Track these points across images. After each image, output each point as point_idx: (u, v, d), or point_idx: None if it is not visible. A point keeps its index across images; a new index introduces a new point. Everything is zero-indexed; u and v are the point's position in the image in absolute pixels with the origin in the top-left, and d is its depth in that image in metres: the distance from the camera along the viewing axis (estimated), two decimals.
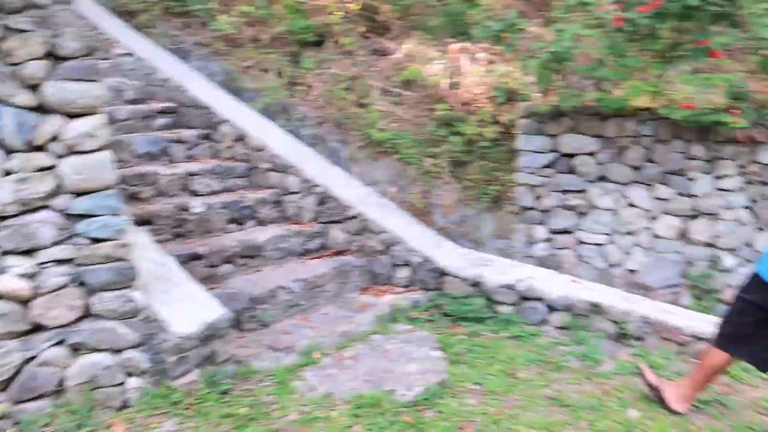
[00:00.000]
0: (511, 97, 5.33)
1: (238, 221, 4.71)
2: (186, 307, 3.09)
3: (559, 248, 4.96)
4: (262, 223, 4.84)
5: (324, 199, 4.78)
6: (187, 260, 3.95)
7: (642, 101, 4.52)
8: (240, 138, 5.15)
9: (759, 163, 4.47)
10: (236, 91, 5.87)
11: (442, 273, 4.35)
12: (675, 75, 4.57)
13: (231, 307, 3.73)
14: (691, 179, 4.63)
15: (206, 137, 5.33)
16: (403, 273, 4.55)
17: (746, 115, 4.09)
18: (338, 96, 5.60)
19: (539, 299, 4.06)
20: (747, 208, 4.60)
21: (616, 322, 3.87)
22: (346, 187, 4.90)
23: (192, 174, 4.74)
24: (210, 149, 5.33)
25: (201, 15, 6.14)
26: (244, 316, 3.79)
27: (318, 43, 6.17)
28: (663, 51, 4.34)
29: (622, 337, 3.89)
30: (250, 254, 4.40)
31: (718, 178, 4.58)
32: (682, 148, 4.58)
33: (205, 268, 4.11)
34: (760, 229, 4.56)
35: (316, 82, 5.83)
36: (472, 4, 5.95)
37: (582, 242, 4.94)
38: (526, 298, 4.09)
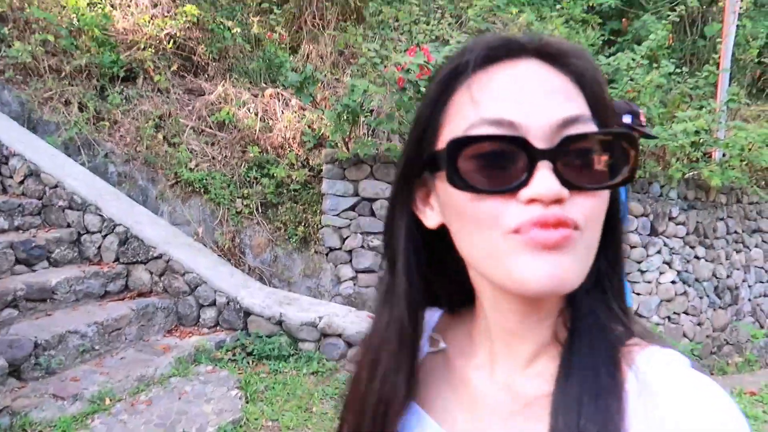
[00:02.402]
0: (320, 142, 5.67)
1: (28, 262, 4.41)
2: None
3: (364, 286, 5.31)
4: (56, 263, 4.57)
5: (127, 238, 4.65)
6: None
7: None
8: (33, 173, 4.84)
9: None
10: (33, 124, 5.51)
11: (247, 312, 4.45)
12: None
13: (11, 355, 3.52)
14: None
15: None
16: (209, 313, 4.57)
17: None
18: (148, 134, 5.51)
19: (338, 335, 4.32)
20: None
21: None
22: (151, 227, 4.81)
23: None
24: None
25: None
26: (27, 364, 3.56)
27: (128, 78, 6.03)
28: None
29: None
30: (40, 297, 4.13)
31: None
32: None
33: None
34: None
35: (124, 118, 5.68)
36: (286, 51, 6.24)
37: None
38: (326, 335, 4.33)
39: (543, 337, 0.60)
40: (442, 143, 0.57)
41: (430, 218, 0.62)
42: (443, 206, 0.59)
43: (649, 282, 5.73)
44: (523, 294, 0.53)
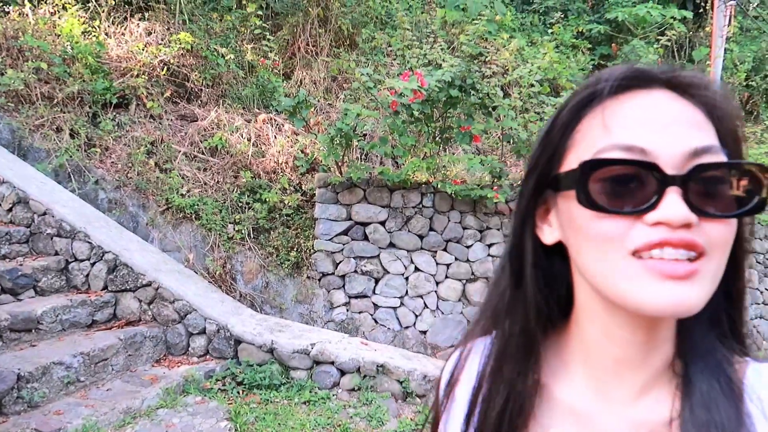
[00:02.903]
0: (313, 166, 5.64)
1: (14, 291, 4.31)
2: None
3: (357, 312, 5.22)
4: (42, 292, 4.48)
5: (116, 266, 4.57)
6: None
7: (421, 176, 5.06)
8: (22, 201, 4.78)
9: None
10: (24, 151, 5.47)
11: (238, 340, 4.36)
12: (445, 155, 5.21)
13: None
14: (467, 246, 5.21)
15: None
16: (199, 342, 4.47)
17: (503, 192, 4.78)
18: (139, 160, 5.47)
19: (331, 363, 4.23)
20: None
21: (400, 382, 4.14)
22: (141, 253, 4.74)
23: None
24: None
25: None
26: (8, 398, 3.44)
27: (121, 105, 6.01)
28: (434, 134, 4.95)
29: (407, 395, 4.17)
30: (25, 327, 4.03)
31: (489, 245, 5.21)
32: (458, 219, 5.17)
33: None
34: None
35: (116, 144, 5.65)
36: (279, 77, 6.25)
37: (378, 306, 5.26)
38: (318, 362, 4.24)
39: (657, 364, 0.62)
40: (567, 165, 0.61)
41: (548, 235, 0.66)
42: (565, 224, 0.62)
43: None
44: (641, 314, 0.55)
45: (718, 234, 0.54)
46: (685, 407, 0.58)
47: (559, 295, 0.69)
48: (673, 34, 6.33)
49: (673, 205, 0.53)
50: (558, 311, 0.70)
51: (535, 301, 0.67)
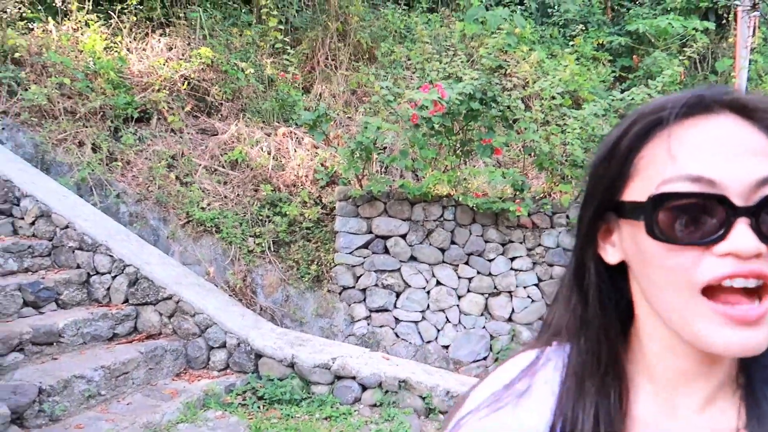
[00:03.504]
0: (333, 179, 5.62)
1: (36, 304, 4.32)
2: None
3: (378, 326, 5.16)
4: (64, 306, 4.49)
5: (137, 279, 4.57)
6: None
7: (442, 189, 5.01)
8: (44, 214, 4.81)
9: (542, 246, 5.11)
10: (47, 165, 5.52)
11: (258, 354, 4.32)
12: (466, 168, 5.16)
13: (14, 401, 3.40)
14: (489, 260, 5.14)
15: (6, 213, 4.90)
16: (219, 356, 4.44)
17: (525, 205, 4.71)
18: (160, 173, 5.50)
19: (352, 378, 4.17)
20: (536, 285, 5.18)
21: (423, 398, 4.07)
22: (162, 267, 4.74)
23: None
24: (10, 225, 4.89)
25: (9, 84, 5.76)
26: (30, 411, 3.43)
27: (142, 119, 6.06)
28: (455, 146, 4.91)
29: (430, 411, 4.09)
30: (47, 341, 4.03)
31: (512, 259, 5.13)
32: (479, 232, 5.10)
33: None
34: (549, 304, 5.14)
35: (137, 158, 5.68)
36: (299, 91, 6.27)
37: (399, 320, 5.19)
38: (340, 377, 4.18)
39: (721, 376, 0.63)
40: (631, 193, 0.61)
41: (611, 255, 0.66)
42: (629, 249, 0.62)
43: None
44: (707, 351, 0.56)
45: None
46: (752, 418, 0.60)
47: (620, 309, 0.68)
48: (697, 46, 6.25)
49: (742, 236, 0.53)
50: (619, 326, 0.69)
51: (607, 318, 0.67)
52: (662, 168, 0.57)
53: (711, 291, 0.55)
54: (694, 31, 7.53)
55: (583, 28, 8.06)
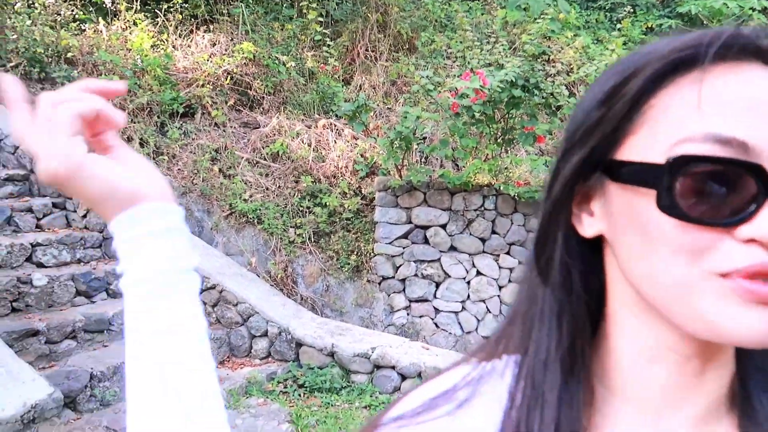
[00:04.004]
0: (373, 170, 5.62)
1: (87, 294, 4.49)
2: (6, 387, 2.88)
3: (417, 316, 5.15)
4: (114, 295, 4.64)
5: None
6: (22, 337, 3.72)
7: (483, 178, 4.94)
8: None
9: None
10: None
11: (299, 343, 4.37)
12: (507, 157, 5.07)
13: (67, 386, 3.54)
14: None
15: (60, 206, 5.11)
16: (261, 344, 4.51)
17: None
18: (204, 166, 5.62)
19: (392, 367, 4.17)
20: None
21: None
22: (205, 257, 4.85)
23: (38, 244, 4.50)
24: (64, 218, 5.10)
25: (62, 82, 6.00)
26: (82, 396, 3.57)
27: (187, 114, 6.20)
28: (496, 135, 4.83)
29: None
30: (98, 329, 4.19)
31: None
32: (521, 222, 5.02)
33: (43, 345, 3.86)
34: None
35: (182, 152, 5.83)
36: (339, 83, 6.30)
37: (439, 310, 5.17)
38: (379, 366, 4.19)
39: (714, 390, 0.50)
40: (633, 149, 0.46)
41: (588, 226, 0.51)
42: (620, 223, 0.48)
43: None
44: (716, 341, 0.44)
45: None
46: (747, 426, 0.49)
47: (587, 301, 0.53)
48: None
49: None
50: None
51: (575, 306, 0.52)
52: (681, 123, 0.44)
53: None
54: (751, 11, 7.17)
55: (631, 11, 7.80)
